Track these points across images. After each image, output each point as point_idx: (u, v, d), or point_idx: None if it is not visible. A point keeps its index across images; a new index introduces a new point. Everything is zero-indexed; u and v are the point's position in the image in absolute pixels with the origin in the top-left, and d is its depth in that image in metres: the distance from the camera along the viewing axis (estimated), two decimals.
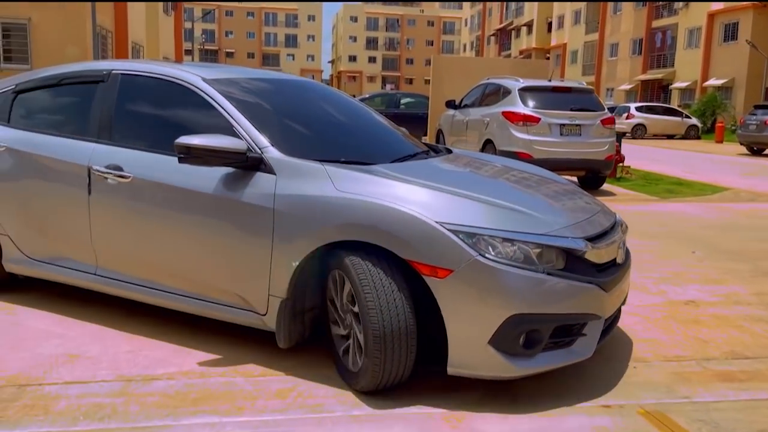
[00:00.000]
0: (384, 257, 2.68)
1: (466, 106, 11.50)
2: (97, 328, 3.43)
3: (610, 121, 9.70)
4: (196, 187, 3.07)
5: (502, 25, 65.89)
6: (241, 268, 3.00)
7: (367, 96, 17.36)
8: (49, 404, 2.61)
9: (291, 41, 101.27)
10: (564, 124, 9.32)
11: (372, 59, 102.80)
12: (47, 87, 3.87)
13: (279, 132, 3.23)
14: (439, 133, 12.60)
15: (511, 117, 9.42)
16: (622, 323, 3.70)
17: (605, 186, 10.26)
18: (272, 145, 3.04)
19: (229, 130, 3.10)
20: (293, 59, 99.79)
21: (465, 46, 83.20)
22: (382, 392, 2.75)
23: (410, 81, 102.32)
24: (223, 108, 3.21)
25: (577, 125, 9.38)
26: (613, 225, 3.15)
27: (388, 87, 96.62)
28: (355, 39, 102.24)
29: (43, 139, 3.66)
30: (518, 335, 2.62)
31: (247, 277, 2.99)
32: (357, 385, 2.77)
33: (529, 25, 58.82)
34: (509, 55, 62.40)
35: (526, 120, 9.30)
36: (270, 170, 2.96)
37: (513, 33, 62.91)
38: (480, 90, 11.06)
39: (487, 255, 2.58)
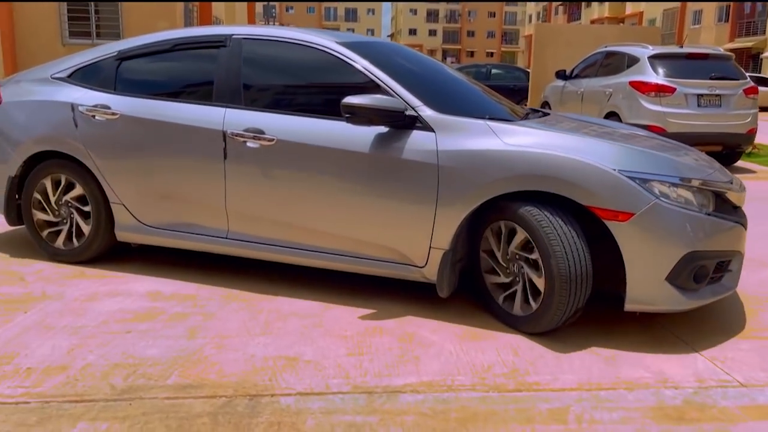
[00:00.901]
0: (559, 206, 2.86)
1: (577, 76, 10.77)
2: (296, 321, 3.06)
3: (753, 91, 8.81)
4: (350, 147, 3.13)
5: None
6: (400, 224, 3.09)
7: (457, 68, 16.70)
8: (296, 422, 2.23)
9: (351, 15, 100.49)
10: (702, 95, 8.51)
11: (432, 32, 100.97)
12: (157, 53, 3.75)
13: (422, 91, 3.25)
14: (544, 106, 11.90)
15: (641, 87, 8.67)
16: None
17: (738, 162, 9.41)
18: (424, 104, 3.12)
19: (372, 91, 3.17)
20: (353, 33, 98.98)
21: (530, 17, 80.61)
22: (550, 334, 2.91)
23: (471, 54, 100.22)
24: (367, 70, 3.27)
25: (716, 95, 8.55)
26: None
27: (449, 60, 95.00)
28: (415, 12, 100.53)
29: (162, 105, 3.57)
30: (691, 271, 2.83)
31: (407, 231, 3.09)
32: (531, 327, 2.93)
33: None
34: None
35: (660, 90, 8.52)
36: (427, 128, 3.06)
37: (583, 2, 60.40)
38: (597, 58, 10.29)
39: (662, 198, 2.78)
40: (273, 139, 3.26)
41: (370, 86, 3.22)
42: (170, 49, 3.70)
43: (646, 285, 2.77)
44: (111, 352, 2.72)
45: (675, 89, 8.47)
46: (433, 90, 3.43)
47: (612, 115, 9.23)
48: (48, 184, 3.86)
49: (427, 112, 3.09)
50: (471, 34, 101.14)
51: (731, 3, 39.03)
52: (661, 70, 8.69)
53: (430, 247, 3.05)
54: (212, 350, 2.77)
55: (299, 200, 3.25)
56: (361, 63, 3.29)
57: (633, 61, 9.15)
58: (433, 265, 3.07)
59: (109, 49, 3.90)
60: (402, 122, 3.05)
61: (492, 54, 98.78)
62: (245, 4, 28.43)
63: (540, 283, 2.85)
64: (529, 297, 2.95)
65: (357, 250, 3.23)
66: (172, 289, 3.50)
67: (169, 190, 3.56)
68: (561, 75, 11.17)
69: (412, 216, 3.05)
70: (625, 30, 13.48)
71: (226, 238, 3.49)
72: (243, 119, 3.35)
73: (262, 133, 3.28)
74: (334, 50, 3.36)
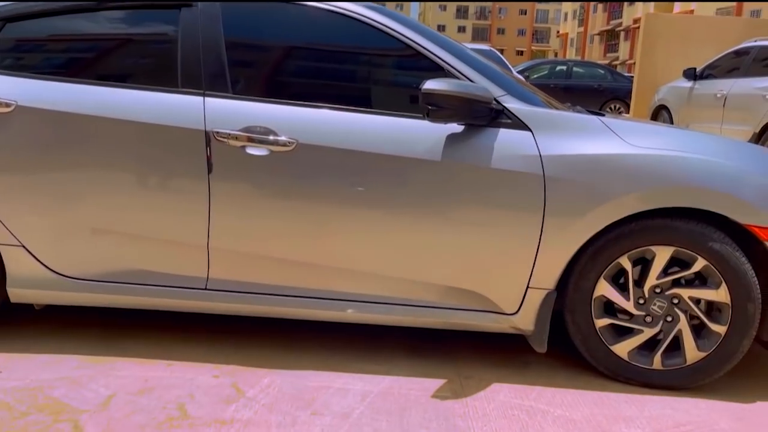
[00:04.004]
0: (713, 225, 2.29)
1: (712, 75, 9.00)
2: None
3: None
4: (410, 153, 2.30)
5: None
6: (485, 257, 2.31)
7: (531, 64, 14.95)
8: None
9: None
10: None
11: (461, 29, 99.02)
12: (69, 12, 2.53)
13: (495, 77, 2.45)
14: (661, 110, 10.11)
15: None
16: None
17: None
18: (508, 93, 2.39)
19: (437, 76, 2.32)
20: None
21: (566, 15, 78.43)
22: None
23: (501, 52, 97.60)
24: (425, 48, 2.42)
25: None
26: None
27: None
28: (444, 8, 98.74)
29: (90, 92, 2.42)
30: None
31: (494, 267, 2.32)
32: (688, 381, 2.33)
33: None
34: (620, 24, 57.97)
35: None
36: (519, 125, 2.33)
37: (626, 1, 58.17)
38: (746, 54, 8.49)
39: None
40: (292, 143, 2.31)
41: (432, 69, 2.39)
42: (95, 8, 2.52)
43: None
44: None
45: None
46: (501, 77, 2.55)
47: None
48: None
49: (514, 105, 2.36)
50: (501, 31, 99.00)
51: None
52: None
53: (527, 287, 2.31)
54: None
55: (331, 230, 2.35)
56: (412, 37, 2.43)
57: None
58: (529, 311, 2.34)
59: None
60: (487, 117, 2.30)
61: (522, 53, 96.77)
62: None
63: (716, 324, 2.29)
64: (691, 343, 2.32)
65: (414, 296, 2.40)
66: None
67: (106, 221, 2.41)
68: (690, 74, 9.37)
69: (503, 245, 2.30)
70: (752, 23, 11.63)
71: (205, 289, 2.42)
72: (238, 113, 2.36)
73: (273, 133, 2.30)
74: (365, 17, 2.44)
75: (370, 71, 2.65)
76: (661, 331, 2.34)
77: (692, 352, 2.32)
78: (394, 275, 2.39)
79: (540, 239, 2.27)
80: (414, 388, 2.30)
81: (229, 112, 2.37)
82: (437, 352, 2.61)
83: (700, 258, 2.28)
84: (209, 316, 2.69)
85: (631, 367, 2.35)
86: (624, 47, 57.28)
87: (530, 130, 2.32)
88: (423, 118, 2.28)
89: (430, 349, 2.63)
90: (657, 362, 2.34)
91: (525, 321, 2.36)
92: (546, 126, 2.33)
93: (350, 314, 2.43)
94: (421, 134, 2.33)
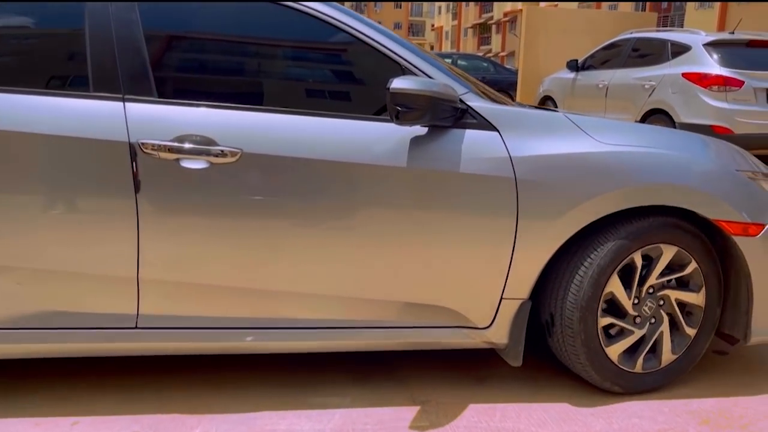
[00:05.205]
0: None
1: (592, 66, 9.39)
2: None
3: None
4: (370, 159, 2.06)
5: None
6: (455, 269, 2.13)
7: None
8: None
9: None
10: None
11: None
12: None
13: (449, 74, 2.26)
14: (546, 101, 10.45)
15: (701, 80, 7.33)
16: None
17: None
18: (470, 91, 2.21)
19: (394, 74, 2.10)
20: None
21: (440, 8, 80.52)
22: None
23: None
24: (376, 41, 2.17)
25: None
26: None
27: None
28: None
29: None
30: None
31: (467, 279, 2.15)
32: (655, 383, 2.31)
33: None
34: (491, 18, 60.26)
35: (727, 83, 7.21)
36: (485, 125, 2.15)
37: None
38: (623, 46, 8.91)
39: None
40: (235, 153, 2.00)
41: (388, 67, 2.15)
42: None
43: None
44: None
45: (743, 83, 7.17)
46: (454, 73, 2.39)
47: (657, 113, 7.87)
48: None
49: (478, 103, 2.18)
50: None
51: (647, 2, 39.82)
52: (721, 61, 7.39)
53: (501, 298, 2.16)
54: None
55: (282, 251, 2.07)
56: (363, 30, 2.16)
57: (681, 49, 7.82)
58: (503, 323, 2.20)
59: None
60: (452, 118, 2.12)
61: None
62: None
63: (689, 327, 2.31)
64: (668, 345, 2.31)
65: (378, 317, 2.17)
66: None
67: (5, 256, 1.98)
68: (573, 65, 9.72)
69: (475, 255, 2.12)
70: (620, 16, 12.31)
71: (135, 327, 2.07)
72: (169, 121, 2.01)
73: (213, 142, 2.00)
74: (314, 9, 2.15)
75: (321, 69, 2.37)
76: (644, 332, 2.29)
77: (667, 354, 2.29)
78: (356, 296, 2.13)
79: (514, 246, 2.11)
80: (369, 421, 2.07)
81: (158, 119, 2.01)
82: (384, 375, 2.39)
83: (692, 260, 2.25)
84: (119, 358, 2.31)
85: (621, 372, 2.26)
86: (496, 40, 59.64)
87: (497, 130, 2.15)
88: (389, 121, 2.04)
89: (375, 372, 2.41)
90: (639, 365, 2.28)
91: (499, 334, 2.20)
92: (513, 125, 2.16)
93: (306, 344, 2.16)
94: (380, 139, 2.09)
